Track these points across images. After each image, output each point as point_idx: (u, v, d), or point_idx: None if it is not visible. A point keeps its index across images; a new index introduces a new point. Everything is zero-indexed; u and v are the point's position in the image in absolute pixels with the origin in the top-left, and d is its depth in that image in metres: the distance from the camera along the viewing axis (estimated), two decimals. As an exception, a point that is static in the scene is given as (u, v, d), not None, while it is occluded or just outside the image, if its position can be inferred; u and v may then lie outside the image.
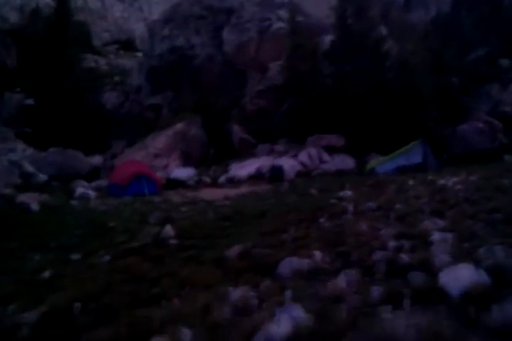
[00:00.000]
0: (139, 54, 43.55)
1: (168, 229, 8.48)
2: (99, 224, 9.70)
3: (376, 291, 4.47)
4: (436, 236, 5.97)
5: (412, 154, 17.56)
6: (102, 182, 18.27)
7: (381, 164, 18.23)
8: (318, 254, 6.04)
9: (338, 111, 22.32)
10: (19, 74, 30.08)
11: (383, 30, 26.62)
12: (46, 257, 7.52)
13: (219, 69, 29.64)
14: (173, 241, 7.99)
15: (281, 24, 28.85)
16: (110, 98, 33.73)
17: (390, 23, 28.88)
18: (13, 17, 40.93)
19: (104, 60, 45.76)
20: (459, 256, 5.03)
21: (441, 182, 10.40)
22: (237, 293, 4.72)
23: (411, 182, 11.30)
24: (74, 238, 8.83)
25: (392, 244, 5.92)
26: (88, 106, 29.18)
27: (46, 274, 6.37)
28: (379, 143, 20.17)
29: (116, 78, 38.68)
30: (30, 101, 28.07)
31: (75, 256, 7.70)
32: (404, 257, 5.27)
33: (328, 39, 26.71)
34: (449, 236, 5.90)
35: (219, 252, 6.83)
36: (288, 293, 4.65)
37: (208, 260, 6.60)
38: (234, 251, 6.80)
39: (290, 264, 5.74)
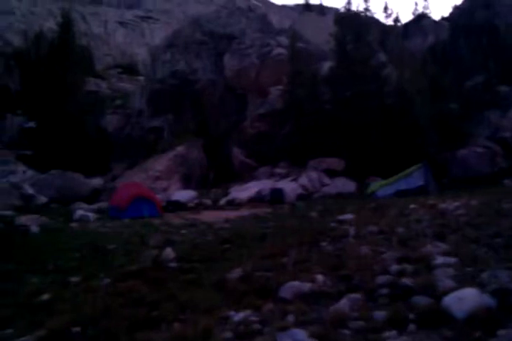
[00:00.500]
0: (141, 78, 44.17)
1: (168, 252, 8.41)
2: (98, 247, 9.62)
3: (380, 315, 4.43)
4: (439, 260, 5.95)
5: (413, 178, 17.61)
6: (102, 205, 18.23)
7: (382, 188, 18.26)
8: (320, 278, 5.99)
9: (337, 135, 22.55)
10: (22, 97, 30.47)
11: (382, 57, 27.18)
12: (45, 279, 7.41)
13: (220, 94, 30.09)
14: (173, 264, 7.92)
15: (281, 50, 29.41)
16: (111, 121, 34.01)
17: (388, 50, 29.51)
18: (17, 41, 41.69)
19: (106, 84, 46.35)
20: (462, 280, 5.02)
21: (443, 206, 10.39)
22: (238, 317, 4.66)
23: (412, 205, 11.29)
24: (73, 260, 8.75)
25: (394, 267, 5.88)
26: (89, 129, 29.42)
27: (44, 297, 6.27)
28: (379, 166, 20.30)
29: (118, 102, 39.09)
30: (31, 124, 28.36)
31: (74, 279, 7.61)
32: (408, 281, 5.24)
33: (327, 65, 27.22)
34: (452, 260, 5.89)
35: (219, 275, 6.76)
36: (291, 317, 4.59)
37: (208, 283, 6.54)
38: (234, 274, 6.74)
39: (292, 288, 5.69)
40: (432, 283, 5.02)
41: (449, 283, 4.97)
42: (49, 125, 27.46)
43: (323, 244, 8.18)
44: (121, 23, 63.91)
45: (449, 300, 4.45)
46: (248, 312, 4.82)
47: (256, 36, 31.20)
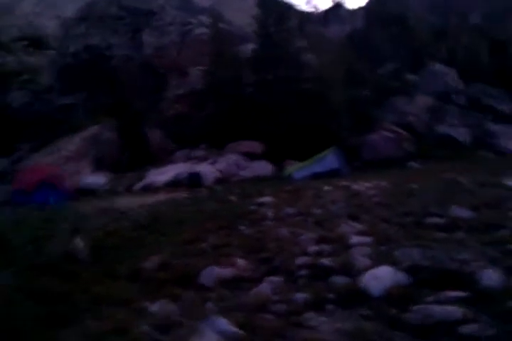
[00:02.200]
0: (51, 52, 40.73)
1: (78, 241, 7.78)
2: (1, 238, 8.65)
3: (300, 297, 4.44)
4: (354, 239, 6.14)
5: (327, 161, 18.26)
6: (5, 188, 16.52)
7: (298, 170, 18.68)
8: (240, 262, 5.91)
9: (257, 118, 22.58)
10: None
11: (302, 43, 27.56)
12: None
13: (137, 72, 28.69)
14: (83, 254, 7.35)
15: (203, 29, 28.70)
16: (17, 97, 31.00)
17: (307, 36, 29.99)
18: None
19: (12, 57, 42.15)
20: (378, 258, 5.18)
21: (355, 187, 10.83)
22: (156, 308, 4.40)
23: (326, 187, 11.60)
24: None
25: (312, 248, 5.97)
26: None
27: None
28: (295, 150, 20.71)
29: (25, 76, 35.83)
30: None
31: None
32: (326, 261, 5.33)
33: (249, 47, 27.00)
34: (367, 239, 6.09)
35: (135, 264, 6.40)
36: (211, 305, 4.43)
37: (124, 273, 6.16)
38: (151, 262, 6.43)
39: (212, 273, 5.54)
40: (350, 262, 5.15)
41: (366, 261, 5.13)
42: None
43: (243, 227, 8.12)
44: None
45: (365, 279, 4.58)
46: (167, 301, 4.57)
47: (176, 13, 30.08)
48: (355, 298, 4.29)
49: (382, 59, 29.82)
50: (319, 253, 5.73)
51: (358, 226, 6.79)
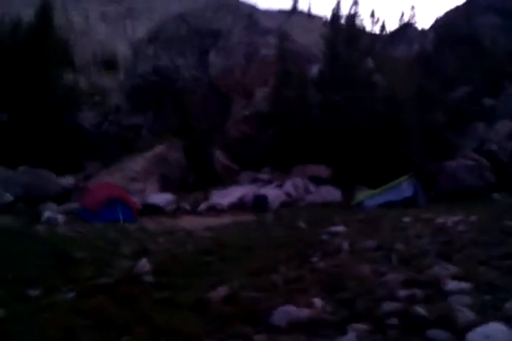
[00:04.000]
0: (121, 74, 43.08)
1: (143, 264, 7.55)
2: (64, 254, 8.66)
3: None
4: (450, 284, 5.36)
5: (402, 189, 17.06)
6: (73, 206, 17.05)
7: (369, 198, 17.67)
8: (317, 302, 5.30)
9: (324, 140, 21.95)
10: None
11: (370, 63, 26.84)
12: (0, 292, 6.48)
13: (203, 93, 29.23)
14: (147, 278, 7.10)
15: (268, 50, 28.79)
16: (88, 117, 32.76)
17: (375, 57, 29.23)
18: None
19: (85, 79, 45.11)
20: (483, 310, 4.43)
21: (440, 220, 9.85)
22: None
23: (406, 219, 10.73)
24: (34, 270, 7.81)
25: (402, 292, 5.23)
26: (64, 125, 28.09)
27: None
28: (366, 175, 19.76)
29: (97, 98, 37.99)
30: (3, 117, 26.89)
31: (34, 292, 6.75)
32: (420, 310, 4.59)
33: (316, 68, 26.70)
34: (466, 285, 5.30)
35: (200, 294, 6.01)
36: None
37: (187, 303, 5.80)
38: (218, 293, 5.99)
39: (286, 314, 4.98)
40: (449, 313, 4.38)
41: (469, 314, 4.37)
42: (22, 118, 26.08)
43: (315, 259, 7.54)
44: (103, 18, 62.84)
45: (472, 337, 3.83)
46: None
47: (243, 34, 30.49)
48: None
49: (454, 81, 28.31)
50: (410, 299, 4.99)
51: (452, 268, 5.94)
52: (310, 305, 5.17)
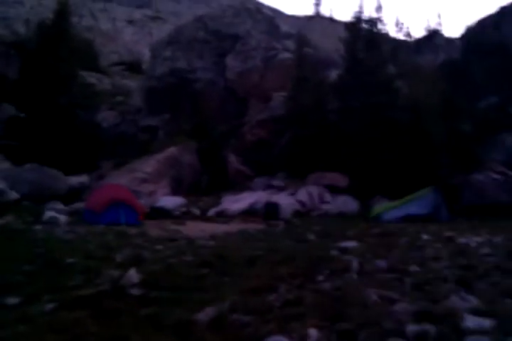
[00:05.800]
0: (143, 76, 43.60)
1: (132, 274, 6.98)
2: (54, 259, 8.18)
3: None
4: (469, 321, 4.55)
5: (424, 202, 16.15)
6: (79, 206, 16.73)
7: (388, 210, 16.77)
8: (313, 333, 4.62)
9: (342, 148, 21.16)
10: (18, 87, 29.39)
11: (392, 69, 26.01)
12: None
13: (220, 95, 28.98)
14: (134, 291, 6.51)
15: (287, 54, 28.34)
16: (107, 117, 32.88)
17: (399, 64, 28.36)
18: (23, 31, 41.32)
19: (108, 80, 45.62)
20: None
21: (462, 241, 9.00)
22: None
23: (425, 236, 9.91)
24: (19, 275, 7.33)
25: (412, 327, 4.49)
26: (80, 124, 28.19)
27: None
28: (386, 186, 18.83)
29: (119, 98, 38.33)
30: (21, 114, 27.12)
31: (13, 301, 6.23)
32: (432, 353, 3.89)
33: (335, 73, 26.08)
34: (487, 323, 4.48)
35: (187, 313, 5.42)
36: None
37: (171, 323, 5.21)
38: (206, 314, 5.36)
39: (276, 347, 4.33)
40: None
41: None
42: (38, 116, 26.29)
43: (320, 277, 6.86)
44: (130, 22, 63.78)
45: None
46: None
47: (262, 38, 30.14)
48: None
49: (481, 91, 27.19)
50: (421, 337, 4.27)
51: (472, 299, 5.16)
52: (304, 338, 4.52)
